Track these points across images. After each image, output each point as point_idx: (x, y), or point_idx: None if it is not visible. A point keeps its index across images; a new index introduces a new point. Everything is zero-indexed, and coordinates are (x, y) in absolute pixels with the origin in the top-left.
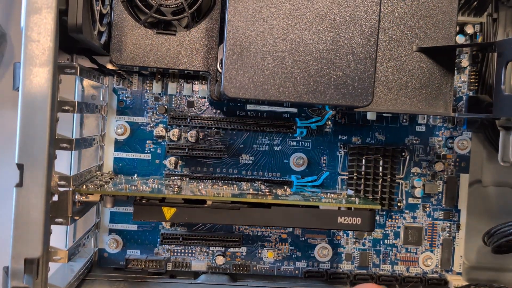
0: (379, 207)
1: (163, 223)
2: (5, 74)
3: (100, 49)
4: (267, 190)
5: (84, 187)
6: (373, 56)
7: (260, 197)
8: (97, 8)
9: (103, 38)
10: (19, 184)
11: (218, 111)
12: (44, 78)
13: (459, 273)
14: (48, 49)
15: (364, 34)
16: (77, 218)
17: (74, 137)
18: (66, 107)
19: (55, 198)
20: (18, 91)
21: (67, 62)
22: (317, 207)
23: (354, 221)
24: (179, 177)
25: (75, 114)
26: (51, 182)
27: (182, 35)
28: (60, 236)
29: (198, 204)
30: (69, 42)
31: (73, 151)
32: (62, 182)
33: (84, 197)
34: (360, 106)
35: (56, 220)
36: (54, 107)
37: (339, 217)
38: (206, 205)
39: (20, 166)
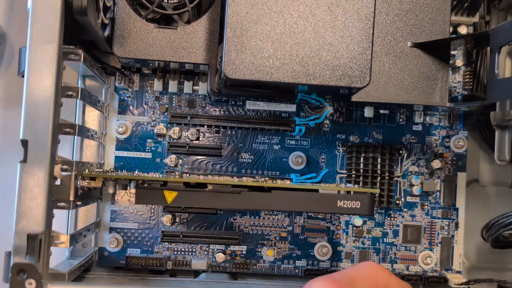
0: (378, 191)
1: (164, 221)
2: (5, 74)
3: (103, 42)
4: (267, 178)
5: (86, 171)
6: (370, 38)
7: (260, 181)
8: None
9: (107, 32)
10: (23, 160)
11: (218, 109)
12: (50, 56)
13: (459, 272)
14: (54, 28)
15: (360, 17)
16: (79, 203)
17: (77, 122)
18: (70, 92)
19: (58, 182)
20: (23, 76)
21: (71, 48)
22: (317, 191)
23: (354, 205)
24: (179, 173)
25: (78, 100)
26: (55, 157)
27: (183, 29)
28: (61, 223)
29: (199, 188)
30: (73, 33)
31: (75, 137)
32: (65, 167)
33: (86, 182)
34: (357, 87)
35: (58, 204)
36: (59, 84)
37: (338, 201)
38: (207, 189)
39: (24, 143)
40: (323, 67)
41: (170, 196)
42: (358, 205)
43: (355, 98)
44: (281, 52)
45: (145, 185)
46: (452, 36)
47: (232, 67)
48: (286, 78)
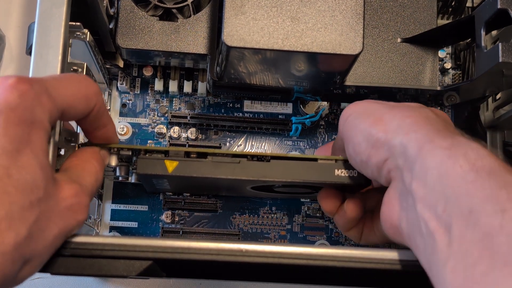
0: None
1: (164, 218)
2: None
3: (107, 36)
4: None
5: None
6: (362, 5)
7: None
8: None
9: (111, 25)
10: None
11: (217, 110)
12: (58, 24)
13: None
14: None
15: None
16: None
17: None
18: (75, 67)
19: (62, 152)
20: (30, 53)
21: (77, 25)
22: (316, 160)
23: (351, 174)
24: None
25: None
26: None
27: (184, 22)
28: None
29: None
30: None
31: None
32: (70, 138)
33: None
34: (351, 54)
35: None
36: (65, 60)
37: (336, 170)
38: (207, 158)
39: None
40: (320, 36)
41: (171, 165)
42: (355, 174)
43: (348, 82)
44: (279, 21)
45: (147, 155)
46: (440, 25)
47: (231, 36)
48: (283, 46)
